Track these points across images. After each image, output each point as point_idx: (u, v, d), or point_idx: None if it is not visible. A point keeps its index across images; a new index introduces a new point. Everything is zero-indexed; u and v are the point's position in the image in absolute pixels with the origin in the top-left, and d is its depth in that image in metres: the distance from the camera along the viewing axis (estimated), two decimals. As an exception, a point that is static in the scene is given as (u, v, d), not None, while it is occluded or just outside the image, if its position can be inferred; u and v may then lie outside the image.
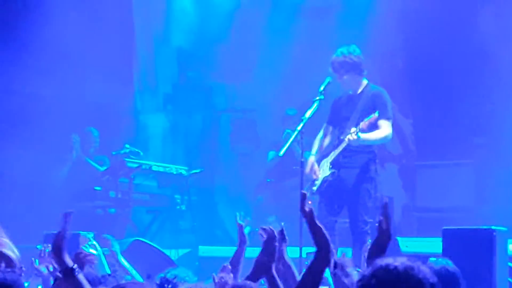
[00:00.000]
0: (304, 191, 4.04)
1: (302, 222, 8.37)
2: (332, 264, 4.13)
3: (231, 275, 5.30)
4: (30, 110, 11.92)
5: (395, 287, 2.88)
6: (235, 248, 5.85)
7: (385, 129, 8.60)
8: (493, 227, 7.60)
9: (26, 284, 4.62)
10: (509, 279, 7.79)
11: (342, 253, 4.37)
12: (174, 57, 14.09)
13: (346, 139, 8.52)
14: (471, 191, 11.10)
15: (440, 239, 7.77)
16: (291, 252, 5.41)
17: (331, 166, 8.74)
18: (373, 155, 8.75)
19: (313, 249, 7.64)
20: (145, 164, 11.62)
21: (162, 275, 5.72)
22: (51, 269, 5.76)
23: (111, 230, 10.02)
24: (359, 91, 8.85)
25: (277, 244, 4.68)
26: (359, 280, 2.95)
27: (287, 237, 5.03)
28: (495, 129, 11.27)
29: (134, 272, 7.45)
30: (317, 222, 3.86)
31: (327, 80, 8.84)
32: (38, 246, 6.77)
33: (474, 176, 11.20)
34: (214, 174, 13.29)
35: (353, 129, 8.49)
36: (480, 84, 11.66)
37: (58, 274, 4.24)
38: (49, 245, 5.61)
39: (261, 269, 4.53)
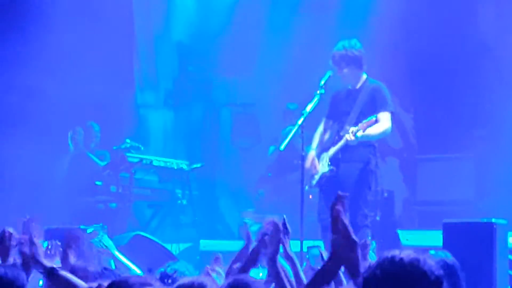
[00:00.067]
0: (341, 193, 3.86)
1: (303, 216, 8.40)
2: None
3: (223, 266, 5.33)
4: (31, 106, 11.93)
5: (400, 279, 2.89)
6: (236, 242, 5.86)
7: (384, 122, 8.61)
8: (493, 220, 7.62)
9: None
10: (510, 272, 7.82)
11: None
12: (174, 52, 14.09)
13: (344, 139, 8.53)
14: (472, 184, 11.11)
15: (441, 232, 7.80)
16: (291, 246, 5.42)
17: (329, 163, 8.75)
18: (373, 149, 8.76)
19: (313, 242, 7.67)
20: (146, 159, 11.63)
21: (162, 269, 5.74)
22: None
23: (112, 224, 10.03)
24: (359, 85, 8.86)
25: (286, 232, 4.71)
26: (365, 272, 2.96)
27: (289, 229, 5.05)
28: (495, 123, 11.29)
29: (132, 267, 7.46)
30: (346, 224, 3.76)
31: (328, 74, 8.85)
32: (40, 241, 6.77)
33: (474, 170, 11.21)
34: (215, 169, 13.30)
35: (351, 129, 8.49)
36: (480, 78, 11.67)
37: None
38: (56, 241, 5.64)
39: (254, 260, 4.55)
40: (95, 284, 3.81)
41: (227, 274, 4.96)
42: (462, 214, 9.63)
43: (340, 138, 8.73)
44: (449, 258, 5.25)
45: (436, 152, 11.72)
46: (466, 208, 10.51)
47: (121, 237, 9.27)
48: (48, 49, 11.84)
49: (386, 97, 8.76)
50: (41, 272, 4.27)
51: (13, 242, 4.62)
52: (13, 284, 4.20)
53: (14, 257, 4.67)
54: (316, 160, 8.86)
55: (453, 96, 11.87)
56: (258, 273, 5.88)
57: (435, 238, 8.53)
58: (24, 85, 12.13)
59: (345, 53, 8.75)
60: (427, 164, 11.69)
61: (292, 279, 4.74)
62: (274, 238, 4.63)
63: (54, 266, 4.23)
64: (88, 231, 7.94)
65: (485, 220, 7.67)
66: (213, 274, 5.11)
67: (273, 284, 4.61)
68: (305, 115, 8.64)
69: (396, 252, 2.97)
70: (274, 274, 4.50)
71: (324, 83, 8.79)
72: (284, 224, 4.99)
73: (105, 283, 3.63)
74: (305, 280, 4.77)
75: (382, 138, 9.03)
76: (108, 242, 7.64)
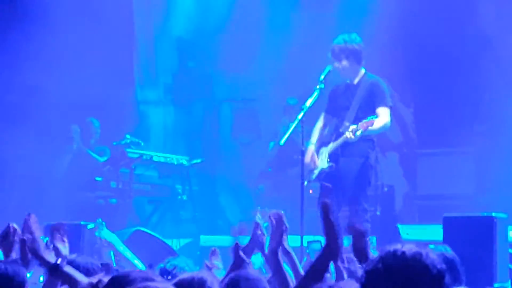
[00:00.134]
0: (327, 184, 4.00)
1: (303, 211, 8.40)
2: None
3: (220, 260, 5.33)
4: (32, 103, 11.93)
5: (402, 272, 2.89)
6: (236, 237, 5.84)
7: (383, 117, 8.61)
8: (493, 214, 7.62)
9: (28, 275, 4.64)
10: (510, 266, 7.82)
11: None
12: (174, 48, 14.08)
13: (344, 137, 8.53)
14: (472, 178, 11.12)
15: (441, 226, 7.80)
16: (291, 241, 5.43)
17: (329, 159, 8.74)
18: (372, 143, 8.76)
19: (313, 237, 7.68)
20: (146, 155, 11.63)
21: (162, 265, 5.74)
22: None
23: (113, 220, 10.05)
24: (357, 80, 8.86)
25: (284, 228, 4.72)
26: (367, 265, 2.96)
27: (287, 225, 5.05)
28: (495, 117, 11.29)
29: (136, 261, 7.46)
30: (332, 217, 3.83)
31: (327, 69, 8.84)
32: (41, 237, 6.78)
33: (474, 164, 11.22)
34: (215, 164, 13.30)
35: (351, 127, 8.48)
36: (480, 73, 11.67)
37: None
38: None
39: (251, 249, 4.57)
40: (95, 279, 3.81)
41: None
42: (462, 208, 9.63)
43: (340, 134, 8.72)
44: (449, 252, 5.26)
45: (436, 147, 11.73)
46: (466, 202, 10.52)
47: (122, 233, 9.27)
48: (48, 46, 11.83)
49: (384, 92, 8.76)
50: (45, 268, 4.27)
51: (17, 238, 4.63)
52: (13, 280, 4.21)
53: (17, 253, 4.67)
54: (315, 155, 8.86)
55: (453, 91, 11.87)
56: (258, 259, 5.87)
57: (435, 232, 8.53)
58: (24, 83, 12.14)
59: (345, 46, 8.75)
60: (427, 158, 11.69)
61: (291, 274, 4.75)
62: (277, 230, 4.65)
63: (59, 262, 4.23)
64: (89, 227, 7.95)
65: (485, 214, 7.67)
66: (214, 270, 5.11)
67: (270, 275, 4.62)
68: (305, 110, 8.64)
69: (398, 246, 2.97)
70: (275, 266, 4.51)
71: (324, 78, 8.79)
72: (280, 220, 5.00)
73: (105, 279, 3.62)
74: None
75: (381, 132, 9.03)
76: (111, 237, 7.64)
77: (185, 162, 11.94)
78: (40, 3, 12.12)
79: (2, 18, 12.19)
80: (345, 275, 4.59)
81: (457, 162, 11.32)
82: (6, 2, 12.37)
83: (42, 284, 6.06)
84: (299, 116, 8.61)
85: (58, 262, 4.24)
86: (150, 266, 7.07)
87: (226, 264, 5.31)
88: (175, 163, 11.90)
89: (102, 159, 11.49)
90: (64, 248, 4.65)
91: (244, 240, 5.27)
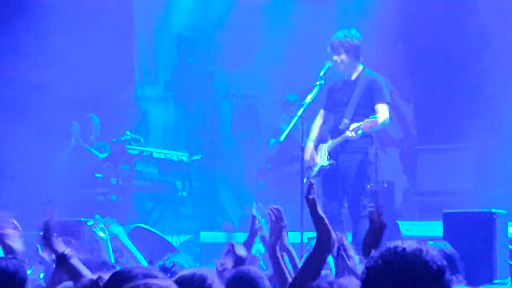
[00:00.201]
0: (311, 180, 4.06)
1: (303, 207, 8.40)
2: (335, 249, 4.16)
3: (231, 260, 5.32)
4: (31, 98, 11.93)
5: (403, 269, 2.90)
6: (236, 234, 5.86)
7: (382, 113, 8.61)
8: (493, 210, 7.62)
9: (29, 272, 4.64)
10: (510, 262, 7.82)
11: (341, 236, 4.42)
12: (174, 44, 14.08)
13: (345, 136, 8.52)
14: (472, 174, 11.12)
15: (441, 222, 7.80)
16: (292, 237, 5.44)
17: (329, 157, 8.74)
18: (371, 139, 8.75)
19: (314, 234, 7.68)
20: (146, 151, 11.63)
21: (161, 262, 5.75)
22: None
23: (113, 216, 10.03)
24: (355, 76, 8.86)
25: (283, 224, 4.73)
26: (367, 262, 2.97)
27: (286, 222, 5.06)
28: (495, 113, 11.29)
29: (139, 256, 7.47)
30: (320, 211, 3.89)
31: (327, 65, 8.84)
32: (41, 233, 6.78)
33: (474, 160, 11.22)
34: (215, 160, 13.31)
35: (352, 126, 8.48)
36: (480, 69, 11.68)
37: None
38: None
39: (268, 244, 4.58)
40: (95, 276, 3.82)
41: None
42: (462, 204, 9.63)
43: (339, 131, 8.71)
44: (448, 248, 5.27)
45: (436, 143, 11.73)
46: (466, 199, 10.52)
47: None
48: (48, 43, 11.83)
49: (383, 88, 8.77)
50: (54, 257, 4.33)
51: (17, 233, 4.65)
52: (15, 277, 4.22)
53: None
54: (315, 152, 8.86)
55: (453, 87, 11.87)
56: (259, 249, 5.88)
57: (435, 228, 8.53)
58: (24, 80, 12.14)
59: (345, 40, 8.77)
60: (427, 154, 11.70)
61: (290, 269, 4.75)
62: (276, 226, 4.65)
63: (66, 252, 4.29)
64: (89, 223, 7.94)
65: (485, 210, 7.67)
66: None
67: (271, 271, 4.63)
68: (304, 106, 8.64)
69: (398, 243, 2.98)
70: (274, 261, 4.52)
71: (323, 74, 8.79)
72: (279, 217, 5.02)
73: (106, 275, 3.63)
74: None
75: (381, 128, 9.03)
76: (118, 230, 7.64)
77: (185, 159, 11.94)
78: (41, 0, 12.12)
79: (3, 15, 12.19)
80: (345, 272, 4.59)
81: (457, 158, 11.32)
82: (7, 0, 12.36)
83: (43, 280, 6.07)
84: (299, 113, 8.61)
85: (66, 252, 4.25)
86: (150, 263, 7.07)
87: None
88: (175, 159, 11.90)
89: (102, 156, 11.48)
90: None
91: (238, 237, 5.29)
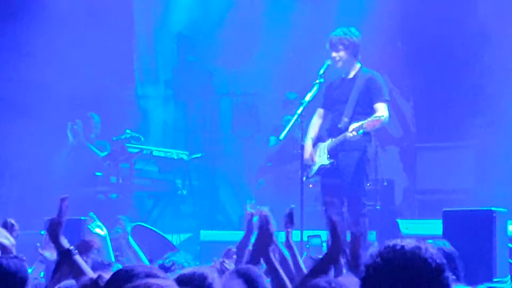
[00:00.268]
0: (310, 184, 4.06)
1: (303, 206, 8.42)
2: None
3: (233, 260, 5.33)
4: (31, 97, 11.94)
5: (401, 267, 2.90)
6: (236, 232, 5.86)
7: (382, 112, 8.61)
8: (493, 208, 7.63)
9: (29, 270, 4.65)
10: (509, 260, 7.83)
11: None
12: (174, 42, 14.08)
13: (346, 135, 8.52)
14: (472, 172, 11.12)
15: (441, 221, 7.80)
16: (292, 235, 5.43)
17: (329, 156, 8.74)
18: (369, 136, 8.74)
19: (313, 232, 7.67)
20: (146, 149, 11.64)
21: (161, 261, 5.76)
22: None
23: (113, 215, 10.05)
24: (353, 74, 8.86)
25: (271, 228, 4.70)
26: (366, 260, 2.98)
27: (294, 221, 5.07)
28: (495, 111, 11.29)
29: (141, 254, 7.48)
30: (336, 222, 3.88)
31: (327, 63, 8.85)
32: (42, 232, 6.80)
33: (474, 158, 11.22)
34: (215, 159, 13.32)
35: (352, 126, 8.49)
36: (480, 67, 11.68)
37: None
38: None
39: (258, 253, 4.56)
40: (95, 275, 3.83)
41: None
42: (462, 202, 9.63)
43: (338, 129, 8.70)
44: (447, 246, 5.28)
45: (436, 141, 11.73)
46: (466, 197, 10.52)
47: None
48: (48, 42, 11.84)
49: (381, 87, 8.77)
50: (57, 251, 4.36)
51: (15, 233, 4.66)
52: (16, 276, 4.23)
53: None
54: (313, 151, 8.86)
55: (453, 85, 11.88)
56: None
57: (435, 227, 8.54)
58: (25, 78, 12.14)
59: (344, 37, 8.77)
60: (427, 152, 11.70)
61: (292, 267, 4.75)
62: (263, 232, 4.62)
63: (71, 248, 4.31)
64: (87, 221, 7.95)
65: (485, 209, 7.68)
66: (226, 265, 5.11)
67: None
68: (304, 104, 8.65)
69: (397, 241, 2.99)
70: (269, 266, 4.51)
71: (323, 73, 8.80)
72: (290, 215, 5.02)
73: (106, 275, 3.63)
74: (304, 269, 4.79)
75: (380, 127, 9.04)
76: (129, 229, 7.65)
77: (185, 157, 11.95)
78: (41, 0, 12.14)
79: (3, 14, 12.19)
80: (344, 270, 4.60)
81: (457, 156, 11.33)
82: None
83: (44, 279, 6.08)
84: (299, 111, 8.62)
85: (71, 248, 4.29)
86: (150, 261, 7.09)
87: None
88: (175, 157, 11.90)
89: (102, 154, 11.49)
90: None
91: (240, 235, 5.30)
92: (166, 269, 5.52)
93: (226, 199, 13.31)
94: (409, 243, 2.96)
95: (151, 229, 9.85)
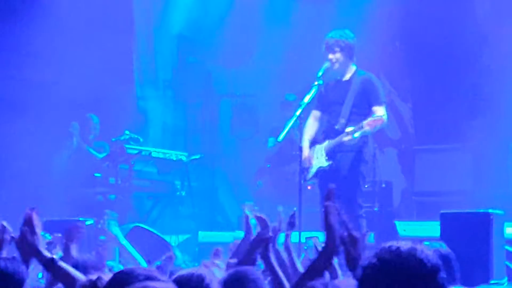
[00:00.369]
0: (331, 186, 4.03)
1: (301, 207, 8.43)
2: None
3: (222, 259, 5.35)
4: (30, 97, 11.94)
5: (397, 267, 2.92)
6: (235, 233, 5.88)
7: (380, 114, 8.63)
8: (490, 211, 7.65)
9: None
10: (506, 262, 7.85)
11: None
12: (173, 43, 14.08)
13: (341, 138, 8.54)
14: (469, 174, 11.13)
15: (438, 222, 7.82)
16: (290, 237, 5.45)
17: (327, 157, 8.75)
18: (366, 138, 8.77)
19: (311, 234, 7.70)
20: (145, 150, 11.64)
21: (159, 262, 5.77)
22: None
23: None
24: (348, 76, 8.88)
25: (271, 233, 4.71)
26: (363, 261, 2.99)
27: (296, 223, 5.09)
28: (493, 113, 11.31)
29: (137, 255, 7.49)
30: (332, 220, 3.90)
31: (325, 65, 8.86)
32: (42, 233, 6.79)
33: (472, 160, 11.23)
34: (214, 160, 13.32)
35: (348, 129, 8.51)
36: (478, 69, 11.70)
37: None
38: (58, 234, 5.66)
39: (254, 253, 4.58)
40: (94, 276, 3.82)
41: (227, 267, 4.99)
42: (459, 204, 9.65)
43: (335, 131, 8.72)
44: (444, 248, 5.30)
45: (434, 143, 11.74)
46: (464, 199, 10.53)
47: (120, 229, 9.29)
48: (48, 42, 11.84)
49: (378, 90, 8.79)
50: (40, 263, 4.30)
51: (7, 236, 4.62)
52: (13, 277, 4.22)
53: (6, 251, 4.67)
54: (310, 153, 8.86)
55: (451, 87, 11.89)
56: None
57: (432, 228, 8.56)
58: (24, 79, 12.15)
59: (340, 38, 8.80)
60: (425, 154, 11.71)
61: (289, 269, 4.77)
62: (262, 236, 4.64)
63: (54, 257, 4.25)
64: (87, 223, 7.97)
65: (482, 211, 7.70)
66: (213, 268, 5.13)
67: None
68: (303, 106, 8.66)
69: (393, 243, 3.02)
70: (269, 269, 4.53)
71: (322, 75, 8.82)
72: (292, 217, 5.05)
73: (105, 276, 3.63)
74: (301, 270, 4.81)
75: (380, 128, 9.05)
76: (116, 231, 7.65)
77: (184, 158, 11.96)
78: (41, 0, 12.13)
79: (3, 14, 12.20)
80: (340, 274, 4.62)
81: (455, 158, 11.34)
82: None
83: (43, 280, 6.09)
84: (297, 112, 8.63)
85: (54, 256, 4.26)
86: (148, 262, 7.10)
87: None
88: (174, 159, 11.91)
89: (100, 156, 11.50)
90: (75, 250, 4.66)
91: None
92: (163, 270, 5.54)
93: (225, 200, 13.32)
94: (404, 245, 2.99)
95: (149, 230, 9.86)
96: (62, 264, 4.22)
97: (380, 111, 8.60)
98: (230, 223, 12.45)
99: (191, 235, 11.22)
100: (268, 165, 12.10)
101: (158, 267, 5.60)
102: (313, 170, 8.79)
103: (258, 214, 4.82)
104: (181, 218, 11.97)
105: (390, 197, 11.16)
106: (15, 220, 5.44)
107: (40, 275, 6.40)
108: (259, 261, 4.73)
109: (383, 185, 10.90)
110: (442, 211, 7.86)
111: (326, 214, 3.90)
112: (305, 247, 8.03)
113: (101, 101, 12.31)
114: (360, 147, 8.69)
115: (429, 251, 2.99)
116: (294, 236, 7.92)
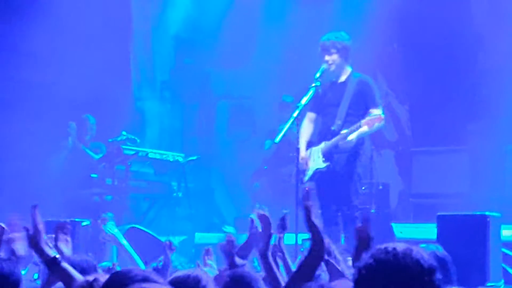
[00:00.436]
0: (307, 187, 4.10)
1: (297, 209, 8.42)
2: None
3: (213, 259, 5.35)
4: (27, 98, 11.93)
5: (394, 267, 2.92)
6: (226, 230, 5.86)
7: (377, 113, 8.63)
8: (486, 213, 7.65)
9: (23, 272, 4.64)
10: (503, 265, 7.85)
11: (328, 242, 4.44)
12: (171, 44, 14.08)
13: (337, 140, 8.54)
14: (466, 177, 11.14)
15: (435, 225, 7.82)
16: (286, 239, 5.45)
17: (324, 159, 8.75)
18: (362, 140, 8.78)
19: (308, 235, 7.69)
20: (141, 151, 11.63)
21: (155, 264, 5.76)
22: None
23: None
24: (344, 78, 8.88)
25: (273, 231, 4.72)
26: (359, 262, 3.00)
27: (287, 225, 5.08)
28: (490, 115, 11.31)
29: (137, 257, 7.48)
30: (314, 218, 3.91)
31: (323, 67, 8.87)
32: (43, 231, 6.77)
33: (469, 162, 11.24)
34: (210, 161, 13.32)
35: (344, 131, 8.52)
36: (475, 71, 11.71)
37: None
38: (50, 234, 5.63)
39: (249, 250, 4.59)
40: (91, 277, 3.81)
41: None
42: (456, 206, 9.65)
43: (331, 133, 8.72)
44: (440, 251, 5.29)
45: (431, 145, 11.75)
46: (461, 201, 10.53)
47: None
48: (45, 42, 11.83)
49: (374, 92, 8.81)
50: (42, 261, 4.30)
51: (5, 237, 4.61)
52: (9, 278, 4.22)
53: (5, 252, 4.66)
54: (307, 155, 8.86)
55: (448, 89, 11.90)
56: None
57: (429, 231, 8.55)
58: (21, 79, 12.13)
59: (336, 40, 8.82)
60: (422, 156, 11.71)
61: (283, 271, 4.77)
62: (264, 233, 4.65)
63: (57, 256, 4.27)
64: (83, 224, 7.95)
65: (478, 213, 7.70)
66: (206, 268, 5.13)
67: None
68: (300, 108, 8.66)
69: (389, 244, 3.02)
70: (267, 268, 4.53)
71: (319, 76, 8.82)
72: (283, 219, 5.04)
73: (102, 278, 3.63)
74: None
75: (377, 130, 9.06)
76: (115, 231, 7.64)
77: (180, 159, 11.95)
78: (40, 0, 12.12)
79: (1, 14, 12.19)
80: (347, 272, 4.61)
81: (452, 160, 11.34)
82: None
83: (39, 281, 6.08)
84: (294, 114, 8.63)
85: (57, 256, 4.25)
86: (145, 263, 7.09)
87: (220, 262, 5.33)
88: (171, 160, 11.90)
89: (97, 157, 11.49)
90: (67, 249, 4.66)
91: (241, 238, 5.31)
92: (159, 271, 5.53)
93: (221, 201, 13.31)
94: (400, 245, 3.00)
95: (145, 231, 9.85)
96: (64, 263, 4.24)
97: (377, 112, 8.60)
98: (226, 225, 12.42)
99: (188, 237, 11.20)
100: (265, 167, 12.10)
101: (155, 269, 5.59)
102: (310, 172, 8.79)
103: (262, 212, 4.82)
104: (177, 219, 11.95)
105: (387, 199, 11.16)
106: (10, 220, 5.42)
107: (35, 276, 6.39)
108: (257, 262, 4.73)
109: (380, 187, 10.90)
110: (439, 213, 7.86)
111: (308, 215, 3.92)
112: (302, 249, 8.02)
113: (98, 102, 12.30)
114: (356, 148, 8.69)
115: (426, 253, 2.99)
116: (291, 238, 7.94)
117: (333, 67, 8.82)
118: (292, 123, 8.69)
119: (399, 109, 12.53)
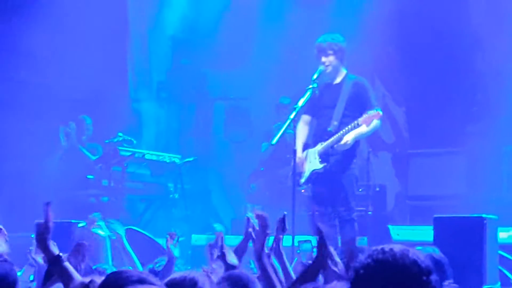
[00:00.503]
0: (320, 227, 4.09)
1: (294, 211, 8.41)
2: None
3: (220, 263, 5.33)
4: (24, 99, 11.92)
5: (391, 267, 2.93)
6: (228, 237, 5.86)
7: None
8: (483, 215, 7.64)
9: (19, 273, 4.64)
10: (499, 267, 7.85)
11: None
12: (168, 45, 14.08)
13: (334, 140, 8.55)
14: (463, 179, 11.13)
15: (432, 227, 7.82)
16: (283, 240, 5.44)
17: (321, 160, 8.74)
18: (357, 141, 8.77)
19: (304, 237, 7.68)
20: (138, 153, 11.63)
21: (151, 266, 5.75)
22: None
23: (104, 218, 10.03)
24: (339, 79, 8.89)
25: (269, 232, 4.72)
26: (356, 263, 3.00)
27: (287, 227, 5.08)
28: (487, 117, 11.32)
29: (136, 259, 7.48)
30: (323, 230, 3.93)
31: (320, 69, 8.87)
32: (32, 235, 6.77)
33: (466, 165, 11.23)
34: (207, 163, 13.31)
35: (341, 132, 8.52)
36: (472, 73, 11.71)
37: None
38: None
39: (243, 251, 4.58)
40: (87, 279, 3.82)
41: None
42: (453, 208, 9.64)
43: (328, 134, 8.71)
44: (437, 253, 5.29)
45: (428, 147, 11.75)
46: (458, 203, 10.52)
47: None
48: (42, 43, 11.82)
49: (370, 94, 8.81)
50: (45, 258, 4.32)
51: (3, 238, 4.62)
52: (4, 280, 4.21)
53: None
54: (303, 157, 8.85)
55: (445, 91, 11.90)
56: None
57: (426, 233, 8.55)
58: (17, 80, 12.12)
59: (333, 42, 8.83)
60: (419, 158, 11.70)
61: (281, 273, 4.76)
62: (261, 233, 4.64)
63: (60, 254, 4.29)
64: (79, 225, 7.93)
65: (475, 215, 7.69)
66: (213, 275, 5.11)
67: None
68: (297, 109, 8.66)
69: (386, 245, 3.02)
70: (261, 268, 4.52)
71: (317, 78, 8.82)
72: (282, 221, 5.03)
73: (98, 279, 3.62)
74: (293, 275, 4.80)
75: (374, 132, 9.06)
76: (121, 232, 7.63)
77: (177, 161, 11.95)
78: (38, 0, 12.11)
79: (1, 14, 12.18)
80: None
81: (449, 162, 11.34)
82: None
83: (34, 283, 6.06)
84: (291, 116, 8.62)
85: (61, 254, 4.27)
86: (141, 265, 7.07)
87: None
88: (167, 161, 11.90)
89: (94, 157, 11.47)
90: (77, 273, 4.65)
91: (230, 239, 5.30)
92: (156, 273, 5.51)
93: (218, 203, 13.31)
94: (397, 246, 3.00)
95: (142, 233, 9.84)
96: (66, 263, 4.25)
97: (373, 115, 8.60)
98: (223, 226, 12.41)
99: (184, 238, 11.19)
100: (262, 168, 12.10)
101: (151, 271, 5.58)
102: (307, 174, 8.78)
103: (260, 212, 4.81)
104: (174, 221, 11.94)
105: (383, 201, 11.16)
106: (10, 221, 5.42)
107: (31, 278, 6.38)
108: (253, 264, 4.72)
109: (377, 189, 10.90)
110: (435, 216, 7.85)
111: (316, 226, 3.95)
112: (298, 251, 8.02)
113: (95, 103, 12.30)
114: (353, 150, 8.69)
115: (422, 255, 3.00)
116: (287, 240, 7.93)
117: (329, 69, 8.83)
118: (289, 124, 8.68)
119: (396, 111, 12.53)
